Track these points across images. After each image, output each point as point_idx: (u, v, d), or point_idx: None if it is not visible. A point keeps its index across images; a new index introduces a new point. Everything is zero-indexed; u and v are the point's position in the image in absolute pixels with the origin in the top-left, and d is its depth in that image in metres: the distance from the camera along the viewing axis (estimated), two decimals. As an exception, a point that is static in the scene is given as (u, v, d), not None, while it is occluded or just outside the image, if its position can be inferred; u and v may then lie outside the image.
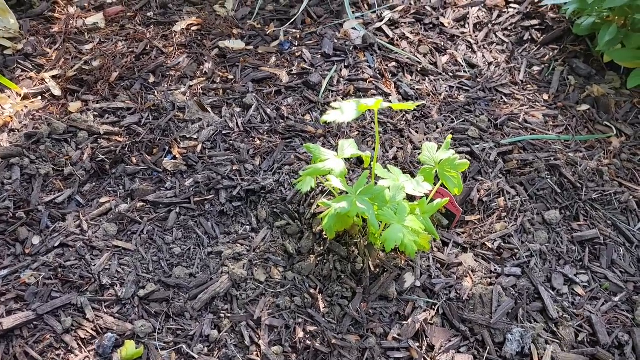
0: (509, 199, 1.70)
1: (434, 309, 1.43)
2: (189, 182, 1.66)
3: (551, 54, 2.18)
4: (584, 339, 1.41)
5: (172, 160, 1.71)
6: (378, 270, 1.47)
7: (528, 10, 2.33)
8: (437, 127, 1.91)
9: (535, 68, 2.14)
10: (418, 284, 1.47)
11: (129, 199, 1.63)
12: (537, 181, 1.75)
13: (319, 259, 1.49)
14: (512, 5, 2.37)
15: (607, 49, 2.01)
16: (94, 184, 1.67)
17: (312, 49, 2.13)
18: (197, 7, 2.30)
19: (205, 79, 1.98)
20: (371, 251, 1.48)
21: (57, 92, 1.90)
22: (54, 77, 1.96)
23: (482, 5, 2.37)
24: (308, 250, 1.51)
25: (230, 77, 2.00)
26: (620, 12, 2.06)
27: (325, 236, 1.52)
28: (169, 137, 1.78)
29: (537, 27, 2.27)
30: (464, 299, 1.46)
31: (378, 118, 1.90)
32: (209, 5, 2.31)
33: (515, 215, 1.67)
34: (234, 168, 1.69)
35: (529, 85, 2.08)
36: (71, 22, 2.18)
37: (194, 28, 2.17)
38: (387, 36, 2.22)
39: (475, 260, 1.56)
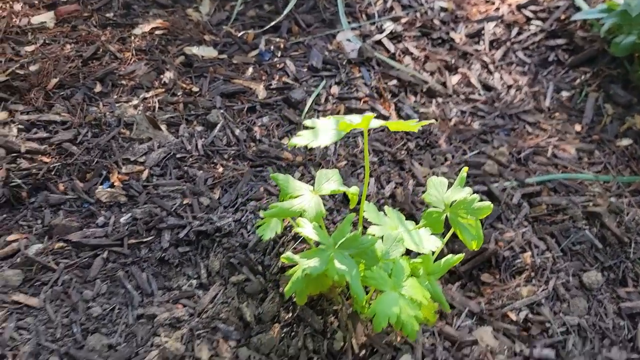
0: (538, 255, 1.33)
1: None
2: (125, 218, 1.28)
3: (582, 77, 1.83)
4: None
5: (109, 189, 1.34)
6: (365, 351, 1.08)
7: (553, 27, 1.99)
8: (446, 159, 1.54)
9: (564, 93, 1.78)
10: (419, 370, 1.08)
11: (46, 237, 1.25)
12: (572, 232, 1.38)
13: (285, 330, 1.10)
14: (534, 22, 2.03)
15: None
16: (4, 215, 1.29)
17: (298, 61, 1.78)
18: (167, 9, 1.96)
19: (164, 90, 1.62)
20: (356, 323, 1.09)
21: (-21, 99, 1.55)
22: (-21, 82, 1.60)
23: (499, 20, 2.03)
24: (271, 317, 1.12)
25: (195, 89, 1.64)
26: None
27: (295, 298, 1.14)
28: (109, 159, 1.41)
29: (565, 47, 1.93)
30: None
31: (373, 145, 1.53)
32: (181, 9, 1.97)
33: (546, 276, 1.29)
34: (185, 202, 1.31)
35: (557, 114, 1.72)
36: (14, 20, 1.83)
37: (158, 32, 1.82)
38: (388, 50, 1.88)
39: (494, 337, 1.17)
